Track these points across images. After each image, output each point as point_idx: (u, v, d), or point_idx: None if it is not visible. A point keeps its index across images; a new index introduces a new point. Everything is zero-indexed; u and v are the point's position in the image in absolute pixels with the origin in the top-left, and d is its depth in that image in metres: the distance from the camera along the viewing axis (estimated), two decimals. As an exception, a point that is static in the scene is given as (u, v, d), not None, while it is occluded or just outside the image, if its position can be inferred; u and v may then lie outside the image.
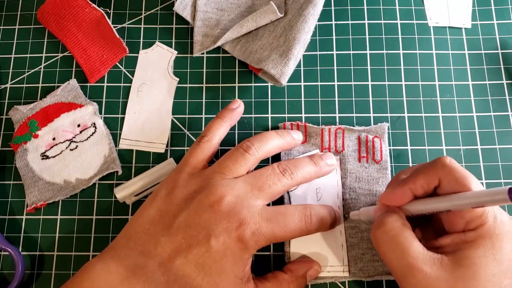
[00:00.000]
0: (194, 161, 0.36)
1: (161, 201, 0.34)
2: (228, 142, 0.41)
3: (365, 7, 0.45)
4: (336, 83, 0.43)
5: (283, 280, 0.34)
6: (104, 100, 0.43)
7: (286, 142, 0.38)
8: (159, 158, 0.41)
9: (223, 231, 0.31)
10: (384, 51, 0.44)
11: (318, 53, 0.44)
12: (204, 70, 0.43)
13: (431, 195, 0.31)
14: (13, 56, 0.44)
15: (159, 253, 0.31)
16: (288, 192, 0.38)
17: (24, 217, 0.40)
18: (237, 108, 0.39)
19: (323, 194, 0.38)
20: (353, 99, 0.42)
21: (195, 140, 0.41)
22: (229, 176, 0.34)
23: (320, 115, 0.42)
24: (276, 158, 0.40)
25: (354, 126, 0.41)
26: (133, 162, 0.41)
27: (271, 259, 0.38)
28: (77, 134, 0.41)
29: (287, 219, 0.33)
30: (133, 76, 0.43)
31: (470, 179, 0.29)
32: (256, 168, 0.36)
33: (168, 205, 0.33)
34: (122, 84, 0.43)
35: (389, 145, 0.40)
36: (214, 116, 0.42)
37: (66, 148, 0.41)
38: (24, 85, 0.43)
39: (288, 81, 0.42)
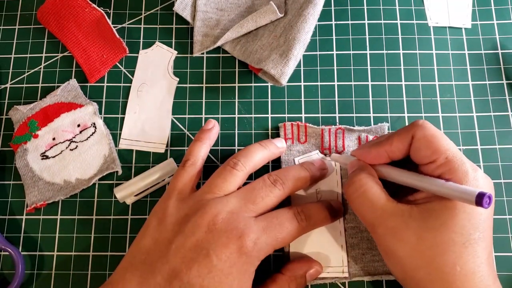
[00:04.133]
0: (181, 186, 0.35)
1: (153, 230, 0.33)
2: (229, 142, 0.41)
3: (365, 7, 0.45)
4: (336, 83, 0.43)
5: (281, 282, 0.34)
6: (104, 100, 0.43)
7: (271, 152, 0.37)
8: (159, 158, 0.41)
9: (223, 247, 0.30)
10: (384, 51, 0.43)
11: (318, 53, 0.44)
12: (204, 70, 0.43)
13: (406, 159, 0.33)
14: (13, 56, 0.44)
15: (158, 282, 0.30)
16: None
17: (24, 217, 0.40)
18: (213, 128, 0.38)
19: (323, 195, 0.38)
20: (353, 99, 0.42)
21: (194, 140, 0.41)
22: (220, 194, 0.33)
23: (320, 115, 0.42)
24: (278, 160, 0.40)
25: (354, 126, 0.41)
26: (133, 162, 0.41)
27: (271, 259, 0.38)
28: (77, 134, 0.41)
29: (282, 221, 0.33)
30: (133, 76, 0.43)
31: (439, 139, 0.31)
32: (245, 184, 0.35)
33: (161, 232, 0.32)
34: (122, 84, 0.43)
35: (389, 145, 0.40)
36: (214, 116, 0.42)
37: (66, 148, 0.41)
38: (24, 85, 0.43)
39: (288, 81, 0.42)
